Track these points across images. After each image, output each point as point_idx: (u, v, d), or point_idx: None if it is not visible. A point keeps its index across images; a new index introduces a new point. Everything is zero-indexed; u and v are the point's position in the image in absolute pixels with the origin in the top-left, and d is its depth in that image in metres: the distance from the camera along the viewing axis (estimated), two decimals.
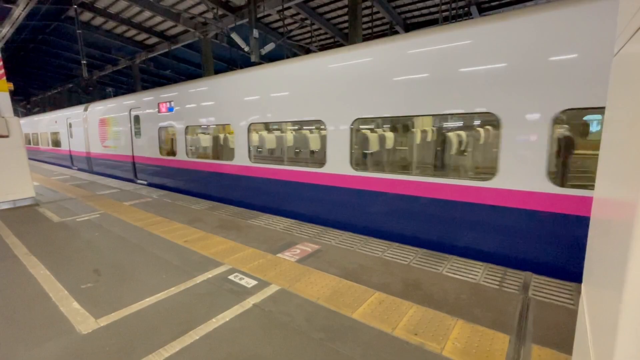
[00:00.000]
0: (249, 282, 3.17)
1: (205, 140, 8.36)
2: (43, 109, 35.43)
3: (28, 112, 36.85)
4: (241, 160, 6.49)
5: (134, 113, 9.59)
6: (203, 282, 3.19)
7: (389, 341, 2.29)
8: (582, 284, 1.69)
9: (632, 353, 0.75)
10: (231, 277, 3.30)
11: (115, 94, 31.30)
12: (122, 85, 33.70)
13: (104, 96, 28.29)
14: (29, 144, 20.11)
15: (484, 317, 2.57)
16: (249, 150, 6.34)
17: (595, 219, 1.52)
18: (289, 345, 2.26)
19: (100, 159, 11.72)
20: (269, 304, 2.79)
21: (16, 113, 6.95)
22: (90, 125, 11.98)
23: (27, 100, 40.30)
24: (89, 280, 3.29)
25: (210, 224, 5.14)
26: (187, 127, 7.77)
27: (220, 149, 8.12)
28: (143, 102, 9.23)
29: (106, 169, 11.60)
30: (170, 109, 8.18)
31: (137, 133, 9.56)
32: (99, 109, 11.48)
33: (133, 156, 9.97)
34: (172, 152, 8.55)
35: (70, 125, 13.60)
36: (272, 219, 5.36)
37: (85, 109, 12.31)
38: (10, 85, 6.61)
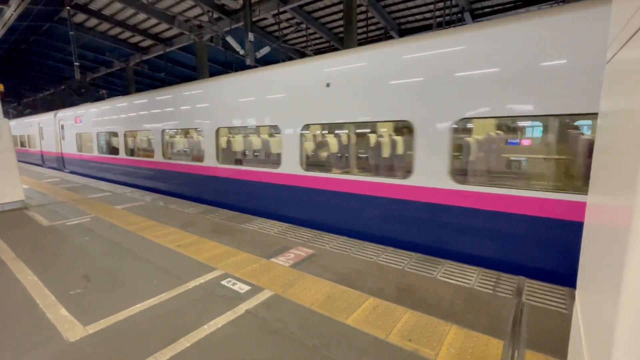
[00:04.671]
0: (242, 288, 3.13)
1: None
2: (34, 111, 34.94)
3: (19, 114, 36.29)
4: None
5: None
6: (195, 288, 3.14)
7: (383, 347, 2.27)
8: (577, 290, 1.69)
9: (630, 359, 0.75)
10: (224, 282, 3.25)
11: (109, 97, 30.98)
12: (115, 87, 33.44)
13: (97, 98, 27.85)
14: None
15: (478, 322, 2.57)
16: None
17: (589, 225, 1.52)
18: (282, 352, 2.23)
19: None
20: (262, 310, 2.75)
21: (6, 115, 6.85)
22: None
23: (18, 102, 39.77)
24: (78, 286, 3.23)
25: (203, 228, 5.09)
26: None
27: None
28: None
29: None
30: None
31: None
32: None
33: None
34: None
35: None
36: (266, 223, 5.32)
37: None
38: (1, 87, 6.52)
